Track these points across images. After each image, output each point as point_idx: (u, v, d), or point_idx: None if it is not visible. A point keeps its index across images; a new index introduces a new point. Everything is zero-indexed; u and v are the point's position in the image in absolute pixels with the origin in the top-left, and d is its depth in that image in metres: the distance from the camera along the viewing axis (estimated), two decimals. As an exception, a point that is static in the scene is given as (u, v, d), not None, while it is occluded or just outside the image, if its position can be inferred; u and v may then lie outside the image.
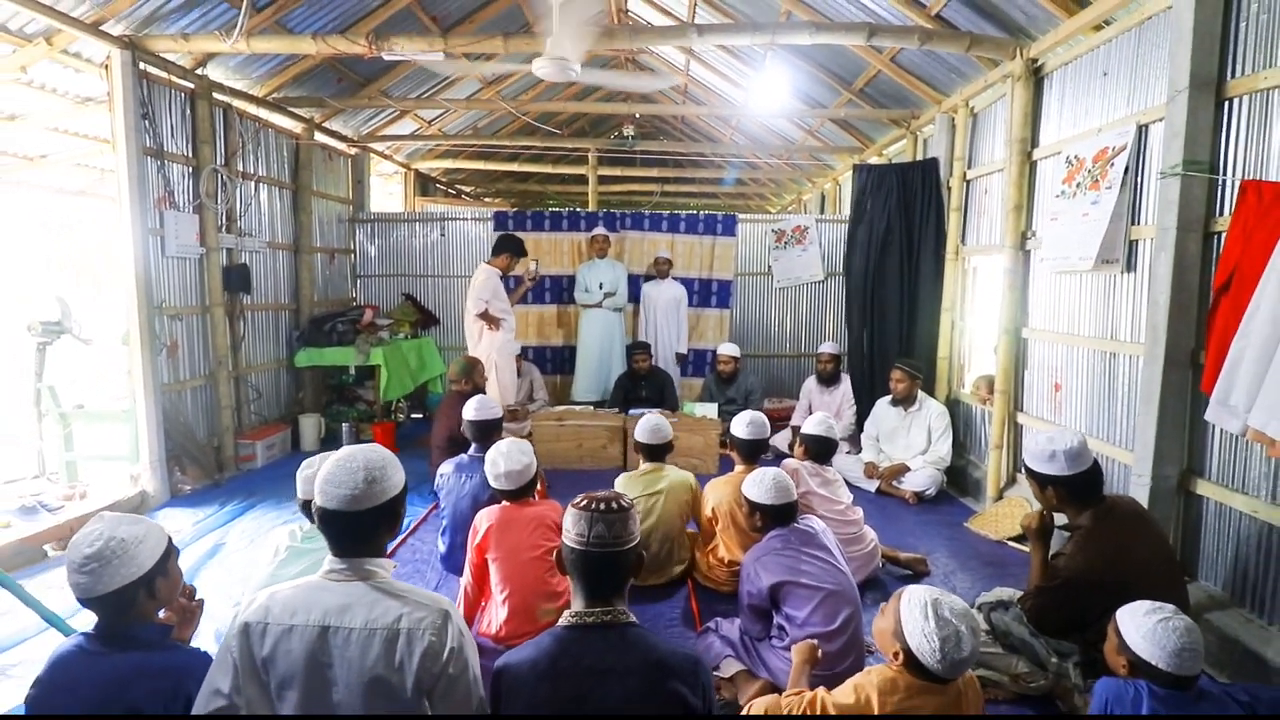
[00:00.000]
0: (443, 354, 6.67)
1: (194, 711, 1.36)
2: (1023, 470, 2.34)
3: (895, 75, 5.07)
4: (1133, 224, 3.14)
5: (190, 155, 4.62)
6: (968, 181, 4.81)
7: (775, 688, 2.17)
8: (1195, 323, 2.71)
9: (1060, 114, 3.76)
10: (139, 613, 1.54)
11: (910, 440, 4.59)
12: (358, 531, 1.39)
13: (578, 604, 1.46)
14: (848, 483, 3.57)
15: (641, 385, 5.54)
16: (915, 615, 1.50)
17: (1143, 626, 1.66)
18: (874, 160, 6.49)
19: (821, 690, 1.61)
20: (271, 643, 1.33)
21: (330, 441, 5.49)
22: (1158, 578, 2.13)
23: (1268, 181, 2.36)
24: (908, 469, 4.45)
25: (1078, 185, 3.51)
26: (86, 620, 1.56)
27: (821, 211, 8.73)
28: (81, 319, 4.71)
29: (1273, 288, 2.14)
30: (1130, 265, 3.15)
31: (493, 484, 2.56)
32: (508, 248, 5.08)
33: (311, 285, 6.02)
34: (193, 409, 4.68)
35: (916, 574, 3.23)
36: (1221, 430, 2.60)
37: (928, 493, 4.32)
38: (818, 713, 1.55)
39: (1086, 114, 3.52)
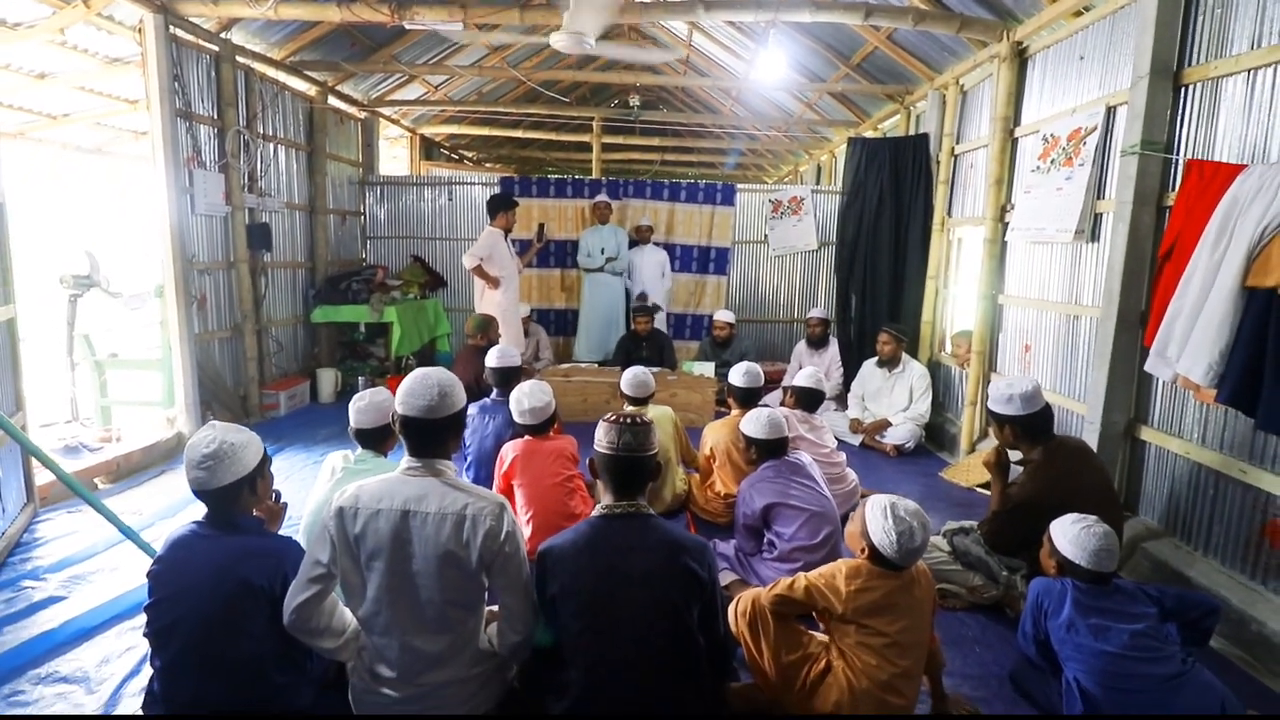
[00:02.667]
0: (449, 316, 6.94)
1: (297, 577, 1.68)
2: (986, 412, 2.68)
3: (891, 52, 5.30)
4: (1098, 198, 3.44)
5: (216, 117, 4.82)
6: (955, 156, 5.08)
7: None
8: (1145, 288, 3.03)
9: (1041, 94, 4.03)
10: (242, 506, 1.86)
11: (893, 399, 4.93)
12: (431, 436, 1.71)
13: (607, 499, 1.78)
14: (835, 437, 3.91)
15: (642, 345, 5.85)
16: (876, 515, 1.85)
17: (1069, 533, 2.01)
18: (869, 134, 6.73)
19: (802, 573, 1.96)
20: (362, 523, 1.65)
21: (348, 393, 5.78)
22: (1096, 504, 2.46)
23: (1209, 161, 2.66)
24: (889, 424, 4.81)
25: (1052, 162, 3.79)
26: (155, 535, 1.87)
27: (817, 183, 8.97)
28: (110, 273, 4.95)
29: (1205, 255, 2.46)
30: (1094, 236, 3.46)
31: (517, 419, 2.88)
32: (500, 206, 5.30)
33: (326, 245, 6.26)
34: (220, 359, 4.96)
35: (892, 512, 3.59)
36: (1162, 382, 2.95)
37: (907, 446, 4.69)
38: (798, 588, 1.89)
39: (1064, 95, 3.79)
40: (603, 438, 1.77)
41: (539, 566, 1.75)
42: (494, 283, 5.20)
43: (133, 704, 1.99)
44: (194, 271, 4.62)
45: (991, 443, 4.29)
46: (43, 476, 3.57)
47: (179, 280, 4.37)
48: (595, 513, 1.77)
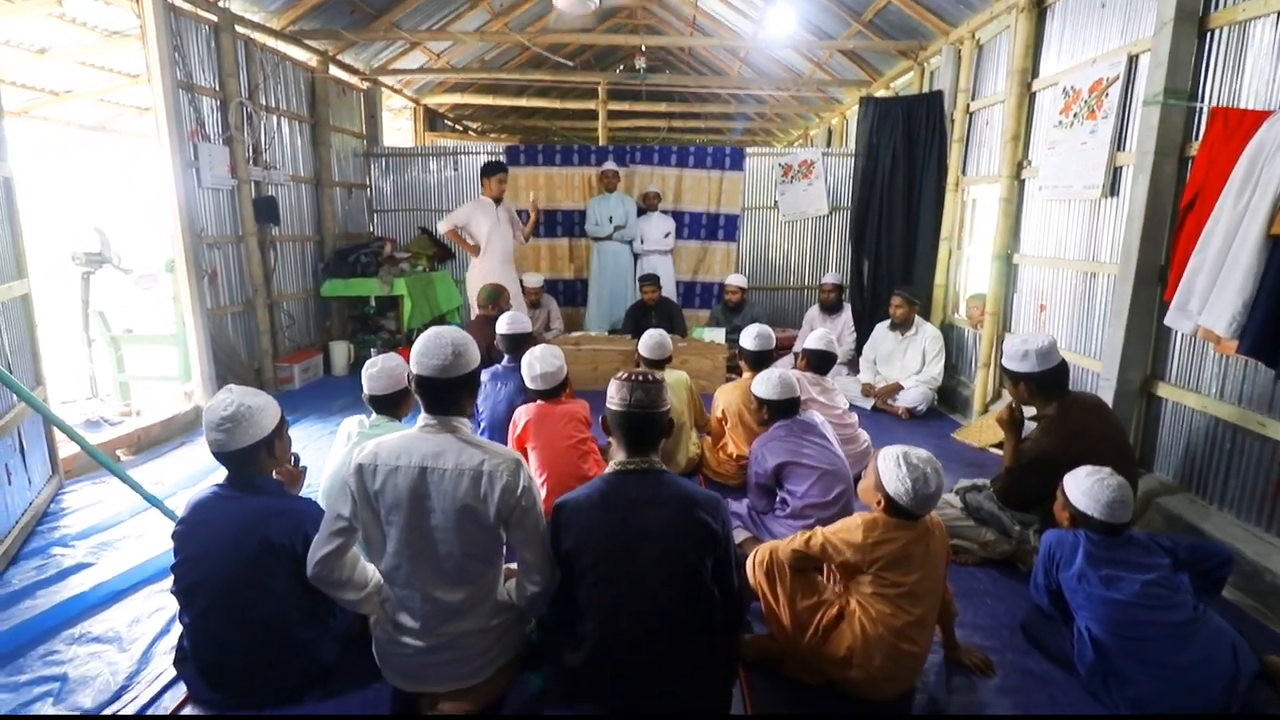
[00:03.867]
0: (459, 287, 6.93)
1: (319, 531, 1.71)
2: (1001, 371, 2.66)
3: (904, 5, 5.15)
4: (1118, 151, 3.36)
5: (218, 88, 4.78)
6: (970, 113, 4.97)
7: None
8: (1165, 242, 2.97)
9: (1060, 45, 3.91)
10: (261, 467, 1.89)
11: (906, 362, 4.91)
12: (447, 394, 1.72)
13: (620, 457, 1.79)
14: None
15: (651, 315, 5.83)
16: (890, 466, 1.86)
17: (1082, 485, 2.01)
18: (881, 94, 6.58)
19: (819, 528, 1.97)
20: (381, 479, 1.67)
21: (361, 365, 5.82)
22: (1111, 459, 2.45)
23: (1234, 109, 2.58)
24: (901, 388, 4.79)
25: (1075, 115, 3.70)
26: (177, 504, 1.90)
27: (828, 146, 8.81)
28: (120, 250, 4.98)
29: (1229, 205, 2.40)
30: (1113, 190, 3.39)
31: (529, 384, 2.89)
32: (485, 174, 5.27)
33: (333, 218, 6.25)
34: (234, 333, 5.00)
35: (905, 473, 3.60)
36: (1181, 336, 2.91)
37: (919, 409, 4.67)
38: (815, 545, 1.90)
39: (1084, 45, 3.68)
40: (615, 395, 1.78)
41: (553, 521, 1.77)
42: (473, 250, 5.24)
43: (164, 661, 2.05)
44: (203, 246, 4.63)
45: (1005, 404, 4.30)
46: (66, 450, 3.64)
47: (189, 254, 4.38)
48: (609, 470, 1.78)
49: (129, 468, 3.77)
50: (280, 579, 1.82)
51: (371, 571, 1.82)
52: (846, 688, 1.88)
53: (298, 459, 2.12)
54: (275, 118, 5.46)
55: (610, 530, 1.67)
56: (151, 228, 5.24)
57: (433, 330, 1.73)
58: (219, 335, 4.76)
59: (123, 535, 2.95)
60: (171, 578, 1.85)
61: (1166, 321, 2.62)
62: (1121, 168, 3.34)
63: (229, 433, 1.79)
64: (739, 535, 2.65)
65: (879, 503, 1.90)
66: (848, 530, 1.89)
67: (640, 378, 1.77)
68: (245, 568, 1.78)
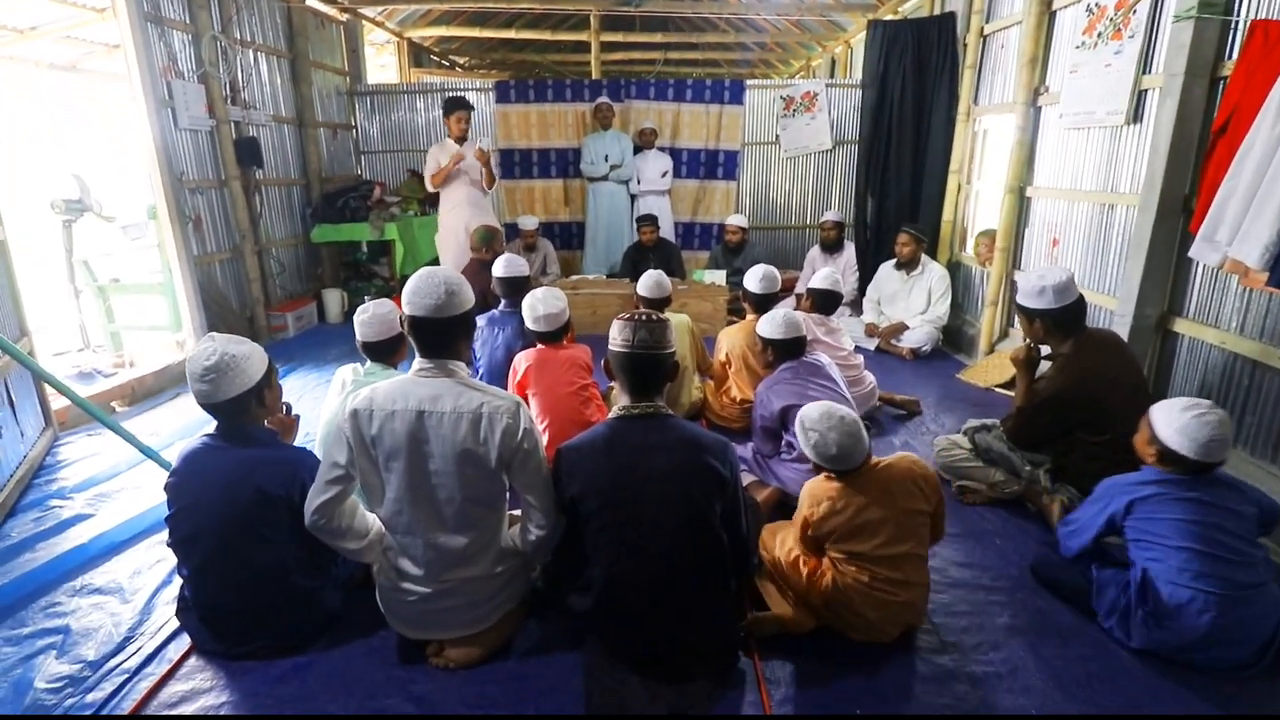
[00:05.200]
0: (453, 231, 6.74)
1: (316, 479, 1.66)
2: (1014, 308, 2.57)
3: (917, -81, 4.81)
4: (1143, 74, 3.17)
5: (188, 21, 4.51)
6: (985, 37, 4.70)
7: (784, 493, 2.53)
8: (1190, 171, 2.83)
9: (1085, -43, 3.64)
10: (251, 417, 1.82)
11: (911, 302, 4.80)
12: (441, 335, 1.63)
13: (624, 400, 1.72)
14: (849, 340, 3.83)
15: (649, 256, 5.68)
16: (798, 432, 1.85)
17: (1176, 421, 1.79)
18: (889, 18, 6.23)
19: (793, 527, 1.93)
20: (378, 425, 1.60)
21: (355, 313, 5.76)
22: (1127, 397, 2.41)
23: (1275, 21, 2.40)
24: (906, 328, 4.71)
25: (1099, 35, 3.48)
26: (173, 454, 1.84)
27: (831, 77, 8.45)
28: (101, 196, 4.79)
29: (1266, 126, 2.25)
30: (1136, 116, 3.22)
31: (531, 325, 2.80)
32: (445, 112, 4.90)
33: (319, 160, 6.02)
34: (223, 281, 4.87)
35: (909, 413, 3.56)
36: (1203, 270, 2.80)
37: (924, 349, 4.60)
38: (805, 541, 1.87)
39: (1111, -44, 3.42)
40: (617, 336, 1.69)
41: (556, 467, 1.72)
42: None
43: (166, 611, 2.03)
44: (185, 190, 4.45)
45: (1013, 344, 4.23)
46: (59, 402, 3.58)
47: (170, 199, 4.21)
48: (612, 414, 1.72)
49: (124, 419, 3.73)
50: (277, 529, 1.78)
51: (372, 520, 1.78)
52: (842, 630, 1.85)
53: (290, 408, 2.05)
54: (252, 53, 5.18)
55: (615, 476, 1.62)
56: (129, 172, 5.03)
57: (425, 270, 1.63)
58: (208, 284, 4.64)
59: (121, 487, 2.91)
60: (167, 530, 1.80)
61: (1191, 254, 2.51)
62: (1146, 91, 3.16)
63: (213, 383, 1.71)
64: (745, 479, 2.61)
65: (815, 468, 1.89)
66: (801, 507, 1.86)
67: (644, 317, 1.68)
68: (240, 519, 1.74)
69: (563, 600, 1.80)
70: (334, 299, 5.81)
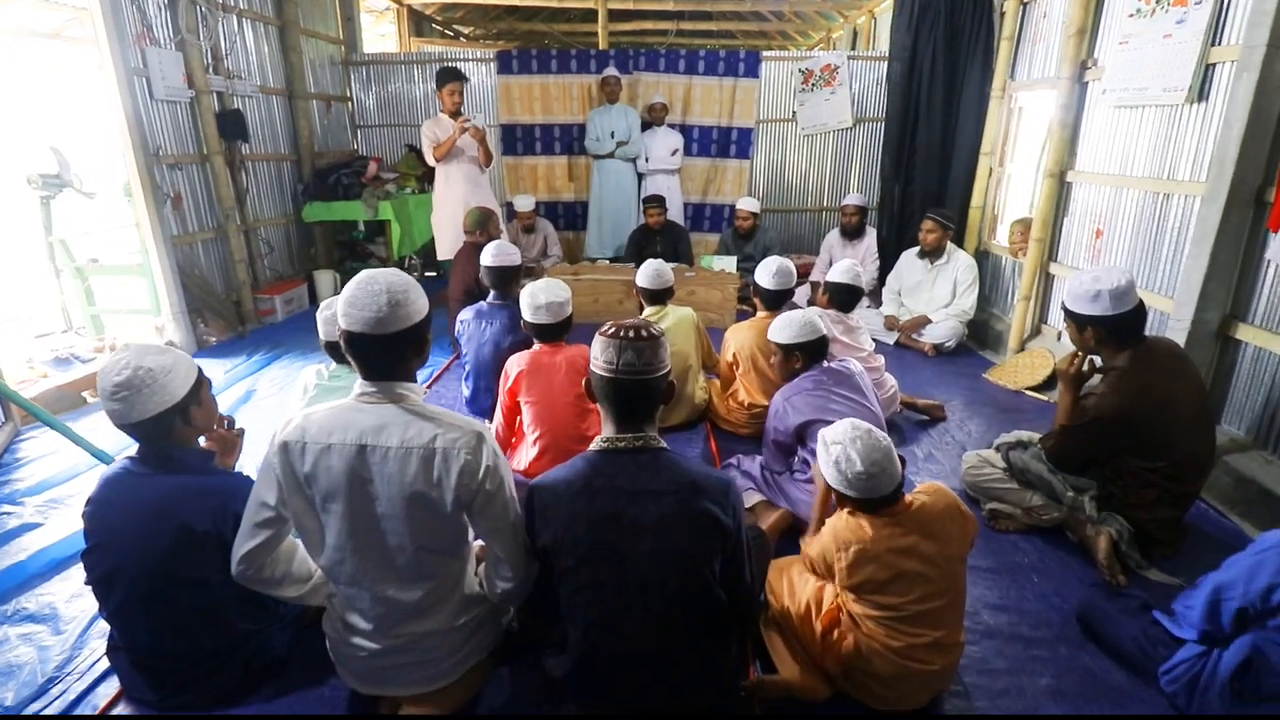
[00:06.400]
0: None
1: (242, 524, 1.41)
2: (1062, 313, 2.26)
3: (953, -127, 4.39)
4: (1212, 45, 2.81)
5: (164, -18, 4.20)
6: (1024, 5, 4.30)
7: (795, 517, 2.27)
8: (1267, 157, 2.49)
9: (1146, -87, 3.25)
10: (178, 438, 1.57)
11: (934, 294, 4.48)
12: (385, 355, 1.36)
13: (608, 430, 1.45)
14: (868, 335, 3.53)
15: (656, 240, 5.38)
16: (820, 452, 1.59)
17: None
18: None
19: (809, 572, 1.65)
20: (312, 460, 1.35)
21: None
22: (1188, 418, 2.12)
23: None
24: (928, 321, 4.39)
25: (1158, 2, 3.11)
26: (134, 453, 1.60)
27: (853, 49, 8.00)
28: (81, 171, 4.55)
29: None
30: (1202, 94, 2.86)
31: (531, 318, 2.52)
32: (438, 84, 4.56)
33: (311, 135, 5.72)
34: (206, 263, 4.62)
35: (933, 419, 3.28)
36: (1275, 270, 2.48)
37: (947, 345, 4.29)
38: (819, 593, 1.60)
39: (1178, -90, 3.03)
40: (599, 355, 1.42)
41: (528, 508, 1.46)
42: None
43: (100, 646, 1.82)
44: (162, 166, 4.19)
45: (1044, 341, 3.91)
46: (25, 393, 3.37)
47: (144, 176, 3.95)
48: (594, 446, 1.45)
49: (94, 410, 3.52)
50: (209, 568, 1.54)
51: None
52: (861, 697, 1.60)
53: (233, 421, 1.80)
54: (235, 18, 4.86)
55: (596, 525, 1.35)
56: (98, 146, 4.77)
57: (365, 274, 1.35)
58: (188, 265, 4.39)
59: (76, 491, 2.69)
60: (84, 567, 1.57)
61: (1270, 255, 2.19)
62: (1215, 65, 2.80)
63: (126, 401, 1.46)
64: (751, 498, 2.35)
65: (838, 501, 1.63)
66: (824, 553, 1.59)
67: (630, 333, 1.40)
68: (162, 557, 1.50)
69: (539, 651, 1.56)
70: (326, 281, 5.56)
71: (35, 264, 5.02)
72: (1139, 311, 2.15)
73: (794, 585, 1.71)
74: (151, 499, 1.51)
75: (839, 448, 1.53)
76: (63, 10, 5.68)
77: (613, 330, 1.42)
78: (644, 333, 1.41)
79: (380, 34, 8.39)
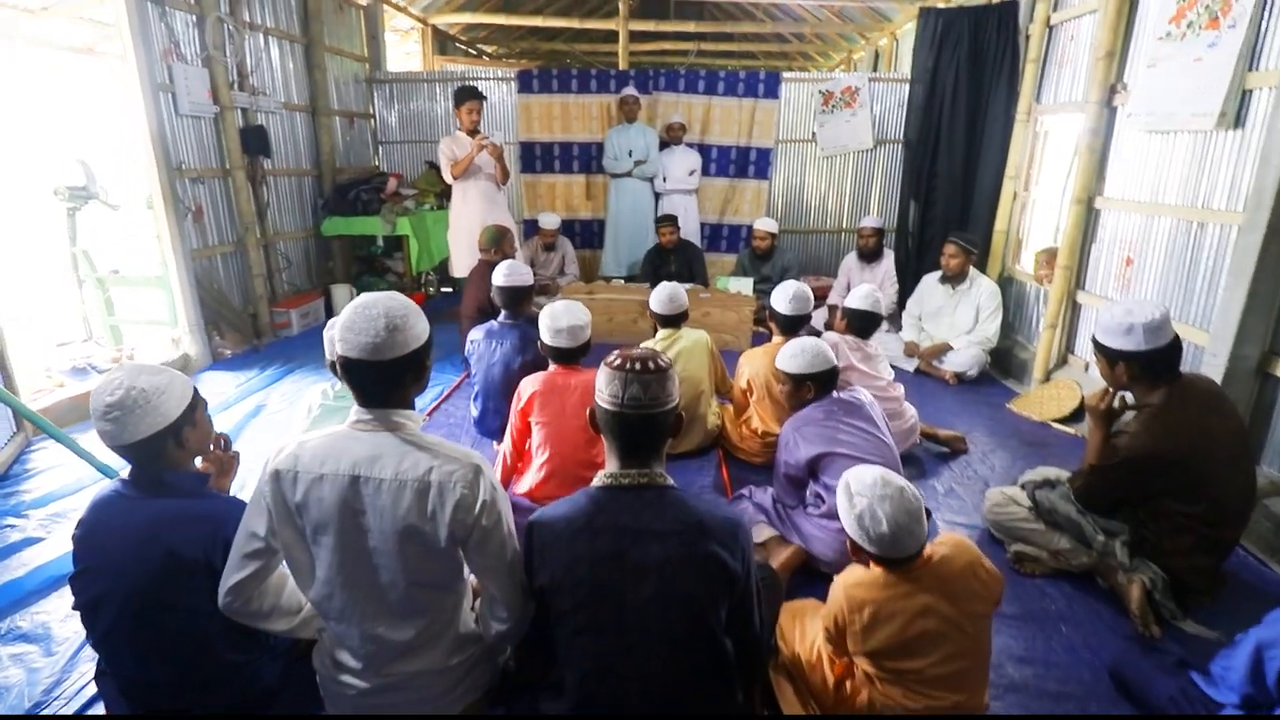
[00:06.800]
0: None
1: (231, 554, 1.36)
2: (1093, 347, 2.17)
3: (979, -104, 4.35)
4: (1249, 70, 2.72)
5: (192, 1, 4.27)
6: (1051, 27, 4.23)
7: (808, 554, 2.18)
8: (1309, 185, 2.39)
9: (1179, -64, 3.18)
10: (171, 461, 1.53)
11: (956, 320, 4.37)
12: (382, 382, 1.31)
13: (612, 465, 1.39)
14: (886, 361, 3.44)
15: (670, 259, 5.34)
16: (840, 500, 1.48)
17: None
18: (942, 6, 5.76)
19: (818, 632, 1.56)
20: (303, 490, 1.30)
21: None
22: (1225, 459, 2.01)
23: None
24: (949, 348, 4.28)
25: (1189, 25, 3.03)
26: None
27: (874, 71, 7.96)
28: (107, 183, 4.62)
29: None
30: (1238, 121, 2.76)
31: (550, 340, 2.47)
32: (456, 102, 4.59)
33: (333, 151, 5.78)
34: (225, 276, 4.66)
35: (954, 451, 3.17)
36: (1319, 306, 2.36)
37: (969, 373, 4.18)
38: (830, 651, 1.49)
39: (1213, -66, 2.96)
40: (604, 388, 1.36)
41: (526, 544, 1.39)
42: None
43: (91, 669, 1.77)
44: (185, 180, 4.24)
45: (1071, 372, 3.79)
46: (36, 402, 3.39)
47: (166, 190, 4.00)
48: (597, 482, 1.38)
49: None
50: (197, 597, 1.48)
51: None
52: None
53: (229, 442, 1.76)
54: (262, 36, 4.94)
55: (597, 565, 1.29)
56: (124, 159, 4.85)
57: (363, 298, 1.31)
58: (206, 278, 4.42)
59: (80, 505, 2.62)
60: (71, 591, 1.53)
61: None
62: (1252, 91, 2.70)
63: (118, 423, 1.42)
64: (762, 532, 2.26)
65: (852, 551, 1.51)
66: (837, 611, 1.48)
67: (636, 365, 1.34)
68: (151, 585, 1.45)
69: (535, 692, 1.48)
70: (343, 295, 5.58)
71: (59, 273, 5.09)
72: (1174, 346, 2.05)
73: (806, 630, 1.62)
74: (141, 524, 1.46)
75: (864, 501, 1.43)
76: (96, 26, 5.83)
77: (618, 362, 1.35)
78: (651, 365, 1.34)
79: (405, 53, 8.52)
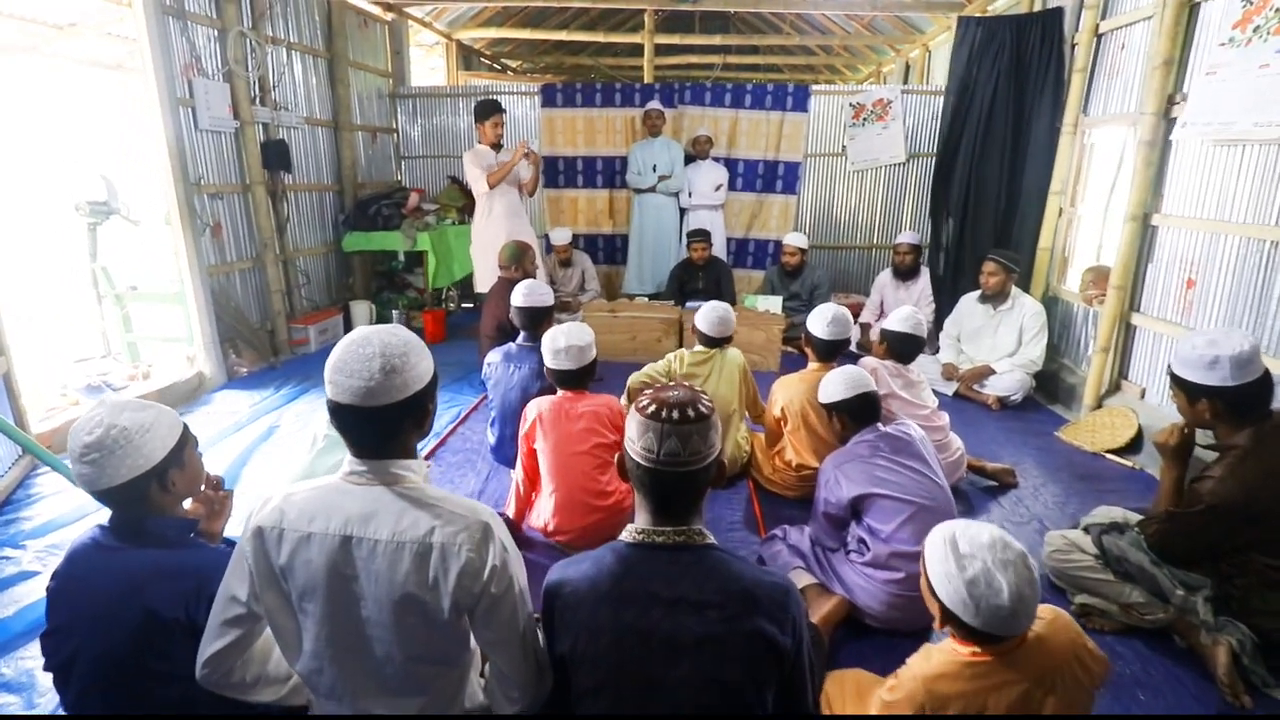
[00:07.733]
0: (491, 241, 6.38)
1: (210, 620, 1.21)
2: (1170, 380, 1.96)
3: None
4: (1332, 77, 2.50)
5: (214, 16, 4.25)
6: (1099, 35, 4.02)
7: (852, 605, 1.98)
8: None
9: (1245, -65, 2.97)
10: (154, 506, 1.39)
11: (997, 341, 4.14)
12: (377, 431, 1.16)
13: (643, 520, 1.22)
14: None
15: (698, 276, 5.18)
16: (936, 556, 1.22)
17: None
18: (978, 15, 5.56)
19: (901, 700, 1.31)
20: (289, 550, 1.14)
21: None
22: (1322, 507, 1.79)
23: None
24: (992, 371, 4.05)
25: (1255, 29, 2.82)
26: None
27: (906, 83, 7.77)
28: (129, 199, 4.60)
29: None
30: (1318, 131, 2.54)
31: (551, 362, 2.33)
32: (478, 117, 4.53)
33: (354, 165, 5.73)
34: (243, 292, 4.59)
35: (1003, 485, 2.95)
36: None
37: (1013, 398, 3.94)
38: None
39: (1285, -68, 2.75)
40: (636, 439, 1.18)
41: (545, 607, 1.23)
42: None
43: (72, 726, 1.63)
44: (203, 196, 4.18)
45: (1125, 399, 3.54)
46: (41, 425, 3.31)
47: (183, 205, 3.94)
48: (626, 537, 1.21)
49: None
50: (178, 660, 1.33)
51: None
52: None
53: (222, 482, 1.62)
54: (285, 51, 4.91)
55: (622, 641, 1.12)
56: (145, 174, 4.82)
57: (357, 332, 1.16)
58: (223, 295, 4.36)
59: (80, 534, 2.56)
60: (41, 650, 1.39)
61: None
62: (1334, 99, 2.48)
63: (97, 465, 1.29)
64: (800, 579, 2.07)
65: (939, 617, 1.26)
66: (918, 695, 1.24)
67: (675, 415, 1.15)
68: (127, 647, 1.31)
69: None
70: (361, 311, 5.50)
71: (79, 289, 5.08)
72: (1265, 382, 1.84)
73: (852, 707, 1.42)
74: (119, 577, 1.33)
75: (979, 565, 1.17)
76: (123, 43, 5.88)
77: (653, 408, 1.17)
78: (691, 413, 1.16)
79: (430, 68, 8.53)
